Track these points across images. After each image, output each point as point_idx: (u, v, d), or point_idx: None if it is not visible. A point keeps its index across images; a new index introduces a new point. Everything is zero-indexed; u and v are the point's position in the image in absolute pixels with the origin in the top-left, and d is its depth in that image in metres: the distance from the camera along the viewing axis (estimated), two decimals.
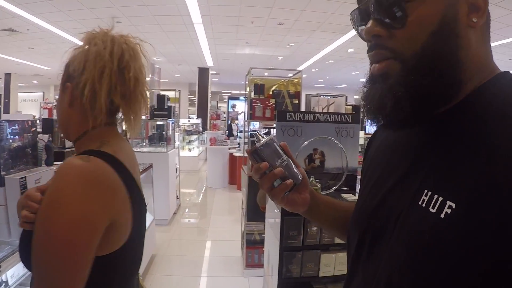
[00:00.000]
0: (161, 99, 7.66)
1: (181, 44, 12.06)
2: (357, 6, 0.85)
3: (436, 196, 0.66)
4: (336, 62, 14.64)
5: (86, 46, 1.17)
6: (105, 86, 1.14)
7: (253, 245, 4.76)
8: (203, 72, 17.07)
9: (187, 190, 10.04)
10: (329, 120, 2.38)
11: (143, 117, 7.09)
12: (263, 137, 0.98)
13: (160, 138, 7.37)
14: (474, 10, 0.72)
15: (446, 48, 0.71)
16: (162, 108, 7.51)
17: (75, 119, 1.20)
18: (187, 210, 8.14)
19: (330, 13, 8.26)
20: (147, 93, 1.29)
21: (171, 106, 7.78)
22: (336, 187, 2.36)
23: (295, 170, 0.99)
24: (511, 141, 0.60)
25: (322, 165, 2.38)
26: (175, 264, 5.14)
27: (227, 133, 12.73)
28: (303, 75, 5.08)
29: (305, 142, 2.26)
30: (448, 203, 0.63)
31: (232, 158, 10.14)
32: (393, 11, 0.73)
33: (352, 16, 0.86)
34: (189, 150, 13.56)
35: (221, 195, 9.52)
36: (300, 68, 15.49)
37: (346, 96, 9.76)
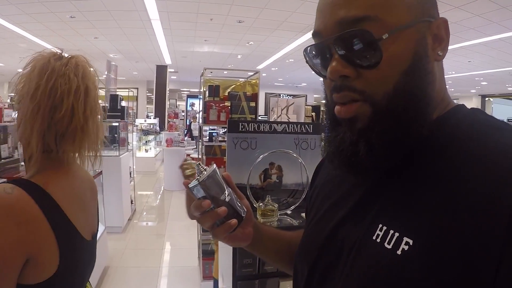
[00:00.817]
0: (114, 99, 7.24)
1: (138, 41, 11.65)
2: (314, 42, 0.76)
3: (392, 231, 0.64)
4: (296, 61, 14.57)
5: (28, 72, 1.17)
6: (37, 126, 1.14)
7: (209, 255, 4.47)
8: (161, 70, 16.69)
9: (144, 192, 9.75)
10: (287, 130, 2.12)
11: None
12: (204, 168, 0.86)
13: (113, 140, 6.98)
14: (437, 42, 0.70)
15: (418, 86, 0.68)
16: (115, 109, 7.07)
17: (23, 142, 1.19)
18: (143, 215, 7.79)
19: (291, 11, 8.12)
20: (97, 124, 1.28)
21: (124, 106, 7.39)
22: (296, 205, 2.11)
23: (239, 205, 0.91)
24: (473, 178, 0.59)
25: (279, 181, 2.14)
26: (130, 277, 4.83)
27: (185, 132, 12.38)
28: (263, 74, 4.91)
29: (260, 157, 2.02)
30: (405, 239, 0.61)
31: None
32: (366, 51, 0.67)
33: (307, 52, 0.78)
34: (146, 150, 13.16)
35: (178, 198, 9.16)
36: (260, 67, 15.58)
37: (306, 96, 9.69)
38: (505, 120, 13.27)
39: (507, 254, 0.51)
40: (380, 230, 0.66)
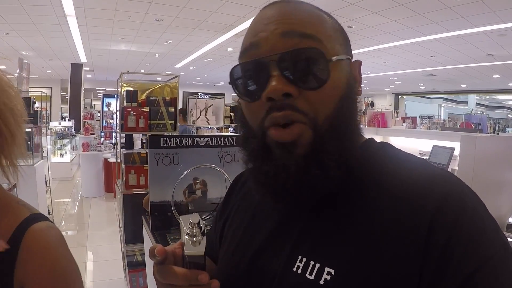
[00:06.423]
0: (26, 102, 6.72)
1: (53, 38, 10.92)
2: (247, 57, 0.70)
3: (312, 262, 0.64)
4: (215, 60, 14.53)
5: None
6: None
7: (135, 267, 4.30)
8: (76, 68, 15.74)
9: (61, 200, 9.18)
10: (211, 144, 2.08)
11: None
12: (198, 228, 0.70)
13: (26, 148, 6.47)
14: (356, 81, 0.74)
15: (351, 113, 0.71)
16: (28, 113, 6.56)
17: None
18: (62, 224, 7.30)
19: (211, 11, 8.05)
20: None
21: (37, 110, 6.92)
22: None
23: None
24: (386, 209, 0.62)
25: (204, 196, 2.09)
26: None
27: (102, 134, 11.90)
28: (181, 73, 4.82)
29: (184, 173, 1.95)
30: (327, 269, 0.62)
31: (107, 164, 9.42)
32: (316, 70, 0.65)
33: (240, 69, 0.71)
34: (61, 155, 12.34)
35: (97, 205, 8.76)
36: (178, 66, 15.42)
37: (224, 95, 9.68)
38: (417, 117, 14.02)
39: (425, 273, 0.56)
40: (300, 262, 0.66)
